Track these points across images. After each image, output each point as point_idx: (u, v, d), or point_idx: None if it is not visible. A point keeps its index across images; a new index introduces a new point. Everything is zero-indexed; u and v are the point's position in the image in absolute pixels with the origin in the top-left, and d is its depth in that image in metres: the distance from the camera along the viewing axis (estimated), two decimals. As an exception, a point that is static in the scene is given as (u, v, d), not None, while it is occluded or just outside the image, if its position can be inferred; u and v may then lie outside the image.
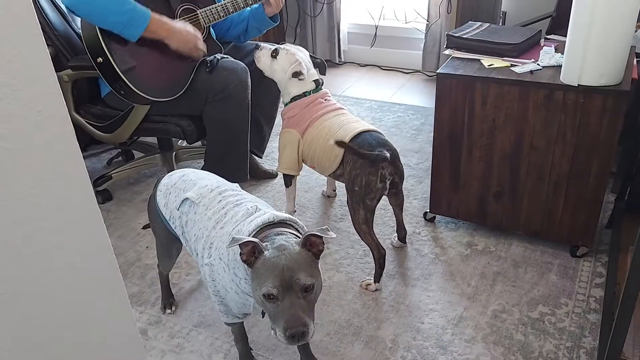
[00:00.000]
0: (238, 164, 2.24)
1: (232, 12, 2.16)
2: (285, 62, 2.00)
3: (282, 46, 2.04)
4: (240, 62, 2.14)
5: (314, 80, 2.02)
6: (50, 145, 0.77)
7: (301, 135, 1.97)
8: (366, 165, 1.73)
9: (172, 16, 2.07)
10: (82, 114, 2.26)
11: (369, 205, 1.76)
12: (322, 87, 2.04)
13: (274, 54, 2.02)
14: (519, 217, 1.96)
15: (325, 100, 2.02)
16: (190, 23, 2.10)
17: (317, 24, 3.84)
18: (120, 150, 2.76)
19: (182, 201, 1.47)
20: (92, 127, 2.26)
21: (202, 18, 2.11)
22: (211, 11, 2.11)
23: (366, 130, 1.83)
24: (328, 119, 1.94)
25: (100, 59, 1.91)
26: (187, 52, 2.03)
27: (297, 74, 1.98)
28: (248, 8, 2.20)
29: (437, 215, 2.18)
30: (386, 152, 1.72)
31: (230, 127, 2.14)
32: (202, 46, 2.05)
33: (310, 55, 2.08)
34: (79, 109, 2.26)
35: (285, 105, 2.05)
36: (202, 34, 2.14)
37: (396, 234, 2.06)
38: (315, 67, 2.06)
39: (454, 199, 2.06)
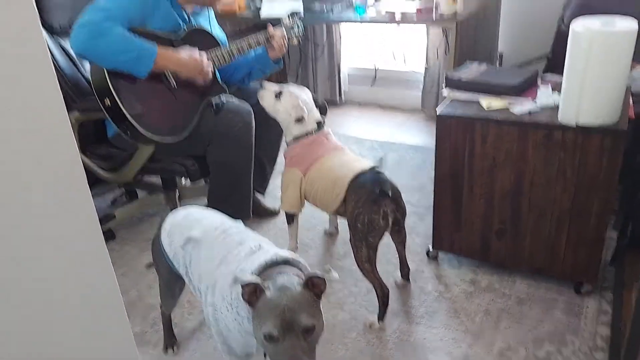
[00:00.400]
0: (241, 204, 2.25)
1: (237, 56, 2.21)
2: (288, 104, 2.04)
3: (285, 87, 2.08)
4: (246, 103, 2.18)
5: (316, 121, 2.06)
6: (62, 187, 0.79)
7: (303, 175, 2.00)
8: (369, 203, 1.75)
9: None
10: (88, 155, 2.30)
11: (372, 242, 1.77)
12: (324, 127, 2.09)
13: (278, 95, 2.06)
14: (522, 254, 1.97)
15: (327, 139, 2.05)
16: None
17: (318, 66, 3.93)
18: (124, 190, 2.79)
19: (187, 240, 1.48)
20: (97, 168, 2.29)
21: None
22: (217, 55, 2.16)
23: (367, 169, 1.86)
24: (330, 159, 1.97)
25: (107, 102, 1.96)
26: (196, 77, 2.07)
27: (299, 120, 2.03)
28: (252, 51, 2.27)
29: (439, 252, 2.19)
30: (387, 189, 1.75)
31: (233, 169, 2.17)
32: (209, 67, 2.08)
33: (313, 97, 2.13)
34: (85, 150, 2.30)
35: (288, 144, 2.09)
36: None
37: (399, 272, 2.05)
38: (317, 107, 2.11)
39: (457, 236, 2.07)
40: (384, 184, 1.78)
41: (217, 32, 2.35)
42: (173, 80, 2.06)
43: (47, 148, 0.76)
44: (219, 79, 2.27)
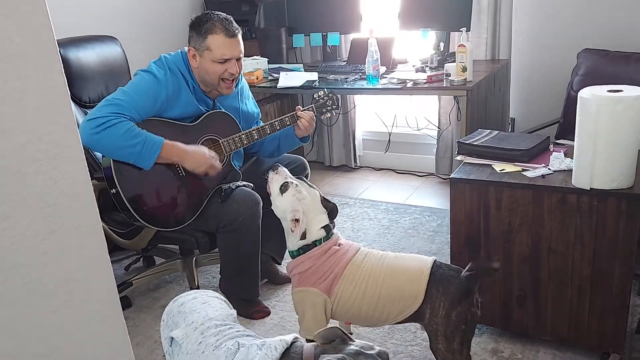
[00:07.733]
0: (249, 283, 2.29)
1: (257, 139, 2.23)
2: (287, 204, 1.72)
3: (294, 182, 1.76)
4: (254, 193, 2.16)
5: (324, 227, 1.73)
6: (85, 259, 0.81)
7: (328, 294, 1.67)
8: (464, 297, 1.57)
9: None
10: (106, 221, 2.34)
11: (470, 339, 1.62)
12: (333, 231, 1.77)
13: (283, 188, 1.74)
14: (545, 322, 1.91)
15: (339, 245, 1.74)
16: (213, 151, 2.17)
17: (333, 132, 4.02)
18: (141, 256, 2.80)
19: (169, 340, 1.43)
20: (114, 234, 2.33)
21: (224, 147, 2.20)
22: (234, 140, 2.20)
23: (431, 262, 1.66)
24: (358, 263, 1.69)
25: (113, 190, 2.02)
26: (203, 172, 2.09)
27: (293, 227, 1.71)
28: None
29: (459, 321, 2.13)
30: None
31: (239, 255, 2.20)
32: (218, 165, 2.12)
33: (323, 198, 1.79)
34: (103, 216, 2.34)
35: (292, 257, 1.75)
36: (223, 161, 2.19)
37: None
38: (326, 210, 1.78)
39: (476, 303, 2.02)
40: (459, 272, 1.62)
41: (252, 107, 2.43)
42: (182, 169, 2.09)
43: (73, 223, 0.79)
44: (235, 165, 2.29)
